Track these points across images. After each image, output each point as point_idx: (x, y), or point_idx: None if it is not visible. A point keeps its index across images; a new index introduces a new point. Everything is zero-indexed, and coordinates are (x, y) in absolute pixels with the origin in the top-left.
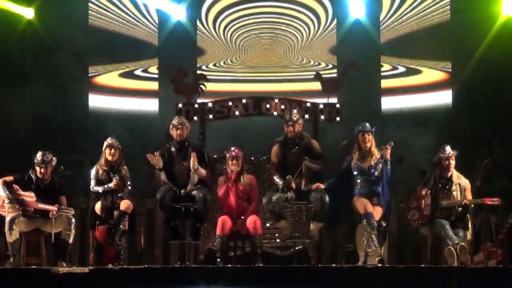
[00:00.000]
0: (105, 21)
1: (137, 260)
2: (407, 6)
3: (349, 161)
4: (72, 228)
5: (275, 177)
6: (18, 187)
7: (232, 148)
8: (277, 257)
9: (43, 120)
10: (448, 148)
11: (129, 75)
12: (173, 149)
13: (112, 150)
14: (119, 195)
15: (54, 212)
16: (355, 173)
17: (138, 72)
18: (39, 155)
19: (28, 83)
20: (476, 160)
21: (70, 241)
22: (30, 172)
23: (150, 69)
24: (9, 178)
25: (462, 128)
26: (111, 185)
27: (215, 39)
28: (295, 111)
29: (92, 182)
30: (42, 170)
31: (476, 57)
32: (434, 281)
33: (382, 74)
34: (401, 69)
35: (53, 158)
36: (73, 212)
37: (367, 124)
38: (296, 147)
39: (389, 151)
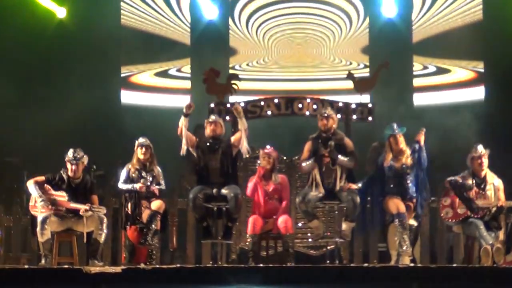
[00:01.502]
0: (137, 21)
1: (169, 259)
2: (439, 5)
3: (382, 161)
4: (104, 227)
5: (303, 164)
6: (49, 187)
7: (267, 146)
8: (309, 257)
9: (76, 120)
10: (480, 147)
11: (162, 74)
12: (206, 144)
13: (144, 149)
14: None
15: (84, 211)
16: (387, 172)
17: (170, 72)
18: (70, 153)
19: (61, 83)
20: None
21: (102, 240)
22: (61, 171)
23: (182, 69)
24: (41, 178)
25: (495, 127)
26: (136, 186)
27: (247, 38)
28: (329, 108)
29: (121, 179)
30: (73, 167)
31: (510, 55)
32: (467, 281)
33: (414, 73)
34: (433, 69)
35: (84, 156)
36: (105, 211)
37: (395, 125)
38: (329, 145)
39: (422, 135)
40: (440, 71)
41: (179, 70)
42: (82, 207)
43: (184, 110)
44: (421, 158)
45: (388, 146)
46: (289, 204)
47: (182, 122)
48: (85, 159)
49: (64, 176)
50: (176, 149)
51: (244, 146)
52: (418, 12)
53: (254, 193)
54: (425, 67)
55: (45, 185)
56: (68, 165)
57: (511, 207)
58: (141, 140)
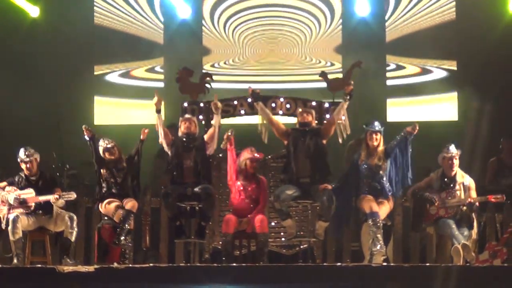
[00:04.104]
0: (111, 20)
1: (142, 259)
2: (412, 4)
3: (357, 158)
4: (74, 226)
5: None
6: (15, 188)
7: (253, 149)
8: (283, 256)
9: (48, 119)
10: (452, 148)
11: (135, 74)
12: (181, 143)
13: (111, 151)
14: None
15: (55, 199)
16: (362, 171)
17: (143, 71)
18: (21, 152)
19: (33, 82)
20: (484, 159)
21: (73, 239)
22: (20, 173)
23: (155, 68)
24: (2, 184)
25: (468, 127)
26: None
27: (221, 37)
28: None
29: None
30: (28, 165)
31: (482, 55)
32: (439, 280)
33: (387, 73)
34: (406, 68)
35: (36, 152)
36: (75, 196)
37: (377, 123)
38: (307, 137)
39: (415, 130)
40: (414, 70)
41: (152, 69)
42: (51, 197)
43: (155, 106)
44: (407, 145)
45: (364, 141)
46: (266, 206)
47: (157, 119)
48: (37, 155)
49: (23, 175)
50: (148, 147)
51: (215, 143)
52: (391, 11)
53: (236, 195)
54: (399, 66)
55: (10, 187)
56: (23, 165)
57: (484, 205)
58: (104, 144)
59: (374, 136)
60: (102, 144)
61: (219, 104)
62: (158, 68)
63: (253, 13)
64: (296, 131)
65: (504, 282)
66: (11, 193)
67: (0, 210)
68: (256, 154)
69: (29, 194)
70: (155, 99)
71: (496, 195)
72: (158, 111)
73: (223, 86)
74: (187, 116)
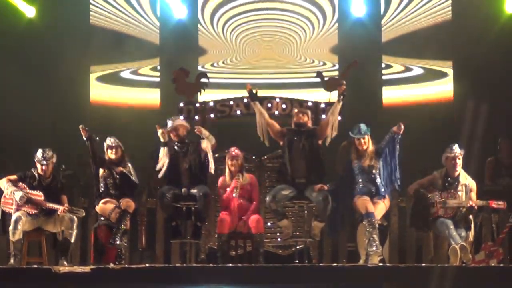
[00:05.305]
0: (107, 20)
1: (138, 259)
2: (408, 5)
3: (350, 161)
4: (74, 227)
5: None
6: (25, 186)
7: (232, 148)
8: (279, 256)
9: (45, 119)
10: (455, 148)
11: (130, 74)
12: (175, 149)
13: (114, 150)
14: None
15: (63, 211)
16: (356, 172)
17: (139, 71)
18: (39, 152)
19: (29, 82)
20: (481, 159)
21: (72, 240)
22: (32, 170)
23: (151, 68)
24: (13, 177)
25: (465, 126)
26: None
27: (217, 38)
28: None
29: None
30: (43, 167)
31: (479, 54)
32: (435, 280)
33: (383, 73)
34: (402, 69)
35: (54, 155)
36: (84, 214)
37: (362, 126)
38: (302, 138)
39: (401, 130)
40: (409, 70)
41: (148, 70)
42: (61, 207)
43: (162, 139)
44: (395, 146)
45: (354, 146)
46: (259, 203)
47: (163, 153)
48: (54, 158)
49: (35, 174)
50: (144, 148)
51: (211, 164)
52: (387, 11)
53: (228, 197)
54: (394, 67)
55: (20, 183)
56: (38, 165)
57: (481, 207)
58: (109, 142)
59: (361, 140)
60: (108, 142)
61: (203, 131)
62: (154, 68)
63: (250, 13)
64: (291, 132)
65: (500, 282)
66: (18, 192)
67: (5, 203)
68: (233, 153)
69: (38, 196)
70: (160, 132)
71: (498, 202)
72: (164, 145)
73: (218, 86)
74: (169, 125)
